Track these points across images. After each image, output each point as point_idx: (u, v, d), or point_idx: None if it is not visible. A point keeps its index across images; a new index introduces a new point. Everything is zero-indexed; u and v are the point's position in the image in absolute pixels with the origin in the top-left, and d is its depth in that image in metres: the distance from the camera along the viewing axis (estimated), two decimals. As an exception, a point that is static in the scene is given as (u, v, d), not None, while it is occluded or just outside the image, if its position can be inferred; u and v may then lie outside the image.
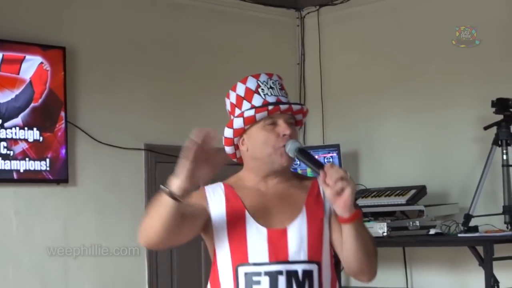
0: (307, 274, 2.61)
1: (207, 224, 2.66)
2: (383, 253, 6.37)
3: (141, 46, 6.09)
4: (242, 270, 2.61)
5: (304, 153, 2.65)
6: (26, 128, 5.40)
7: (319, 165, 2.57)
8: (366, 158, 6.54)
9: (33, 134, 5.43)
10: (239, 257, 2.61)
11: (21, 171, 5.36)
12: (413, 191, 5.70)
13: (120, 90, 5.93)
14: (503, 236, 5.13)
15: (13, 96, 5.37)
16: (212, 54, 6.46)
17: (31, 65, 5.43)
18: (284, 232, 2.63)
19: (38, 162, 5.43)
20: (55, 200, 5.57)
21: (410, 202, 5.63)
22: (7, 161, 5.31)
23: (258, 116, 2.67)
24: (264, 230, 2.62)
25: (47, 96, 5.49)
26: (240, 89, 2.77)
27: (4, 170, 5.30)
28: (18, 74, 5.40)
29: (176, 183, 2.53)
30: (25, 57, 5.41)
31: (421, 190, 5.73)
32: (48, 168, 5.46)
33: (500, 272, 5.07)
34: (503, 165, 5.37)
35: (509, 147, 5.37)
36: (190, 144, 2.51)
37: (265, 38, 6.81)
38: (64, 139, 5.55)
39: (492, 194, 5.54)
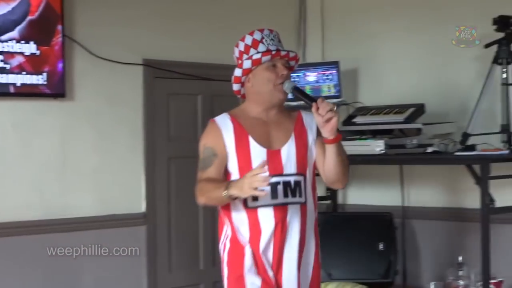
0: (297, 183, 3.50)
1: (224, 155, 3.50)
2: (380, 170, 6.48)
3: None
4: None
5: (299, 90, 3.51)
6: (22, 41, 5.35)
7: (312, 99, 3.39)
8: (365, 76, 6.51)
9: (30, 48, 5.38)
10: (245, 171, 3.32)
11: (18, 84, 5.32)
12: (411, 109, 5.69)
13: (118, 3, 5.86)
14: (500, 155, 5.13)
15: (9, 8, 5.29)
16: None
17: (27, -23, 5.36)
18: (278, 152, 3.50)
19: (35, 76, 5.40)
20: (52, 114, 5.55)
21: (408, 120, 5.62)
22: (4, 75, 5.27)
23: (264, 59, 3.48)
24: (264, 151, 3.48)
25: (44, 8, 5.43)
26: (248, 39, 3.52)
27: (1, 83, 5.27)
28: (14, -14, 5.33)
29: (235, 193, 3.30)
30: (21, -31, 5.34)
31: (419, 108, 5.71)
32: (45, 82, 5.43)
33: (496, 191, 5.10)
34: (502, 84, 5.35)
35: (509, 66, 5.34)
36: (259, 181, 3.19)
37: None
38: (61, 53, 5.50)
39: (490, 113, 5.52)
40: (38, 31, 5.40)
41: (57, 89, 5.49)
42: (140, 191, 5.97)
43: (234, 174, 3.51)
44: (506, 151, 5.15)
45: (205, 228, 6.32)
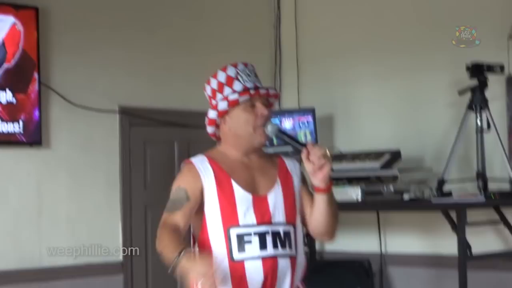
0: (286, 234, 3.11)
1: (200, 202, 3.08)
2: (357, 217, 6.47)
3: (115, 7, 6.02)
4: (233, 231, 3.03)
5: (284, 133, 3.15)
6: (-2, 90, 5.35)
7: (301, 144, 3.05)
8: (341, 122, 6.53)
9: (6, 96, 5.37)
10: (230, 220, 3.04)
11: (-6, 133, 5.32)
12: (387, 156, 5.70)
13: (94, 51, 5.87)
14: (476, 202, 5.15)
15: (-15, 57, 5.31)
16: (187, 16, 6.41)
17: (4, 25, 5.36)
18: (265, 198, 3.11)
19: (11, 124, 5.38)
20: (28, 162, 5.53)
21: (385, 167, 5.64)
22: (-20, 123, 5.26)
23: (241, 99, 3.09)
24: (249, 196, 3.08)
25: (20, 57, 5.43)
26: (221, 76, 3.15)
27: (-23, 132, 5.25)
28: (-10, 34, 5.33)
29: (184, 267, 2.89)
30: (-3, 17, 5.34)
31: (395, 155, 5.72)
32: (21, 131, 5.41)
33: (473, 238, 5.10)
34: (477, 131, 5.38)
35: (483, 112, 5.38)
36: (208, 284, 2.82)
37: (240, -1, 6.77)
38: (37, 101, 5.49)
39: (465, 159, 5.56)
40: (15, 79, 5.40)
41: (33, 137, 5.48)
42: (117, 239, 5.93)
43: (214, 220, 3.06)
44: (482, 198, 5.17)
45: (182, 275, 6.27)
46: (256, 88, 3.14)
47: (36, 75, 5.49)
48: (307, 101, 6.67)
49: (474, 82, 5.38)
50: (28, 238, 5.49)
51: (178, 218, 3.07)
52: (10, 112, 5.37)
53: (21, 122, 5.42)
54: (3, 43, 5.36)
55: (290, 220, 3.13)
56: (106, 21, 5.96)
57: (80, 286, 5.63)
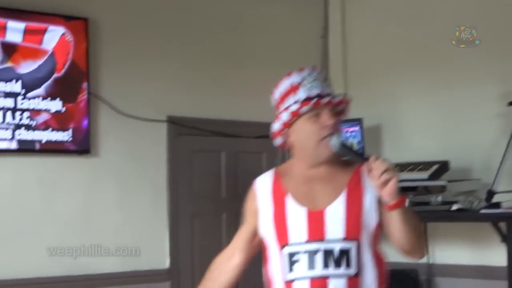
0: (344, 251, 2.84)
1: (256, 218, 3.02)
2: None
3: (164, 17, 6.07)
4: (286, 250, 2.88)
5: (347, 147, 2.92)
6: (48, 99, 5.41)
7: (364, 158, 2.83)
8: (388, 133, 6.50)
9: (56, 105, 5.44)
10: (283, 238, 2.89)
11: (43, 141, 5.37)
12: (435, 166, 5.66)
13: (143, 61, 5.92)
14: (525, 213, 5.09)
15: (35, 66, 5.37)
16: (234, 27, 6.44)
17: (54, 36, 5.43)
18: (322, 213, 2.87)
19: (61, 133, 5.44)
20: (77, 170, 5.58)
21: (433, 177, 5.59)
22: (30, 131, 5.33)
23: (303, 109, 2.88)
24: (304, 212, 2.88)
25: (69, 67, 5.49)
26: (285, 84, 2.97)
27: (27, 140, 5.32)
28: (41, 44, 5.40)
29: None
30: (47, 28, 5.41)
31: (443, 165, 5.68)
32: (70, 139, 5.47)
33: (522, 249, 5.05)
34: (526, 141, 5.33)
35: (533, 123, 5.33)
36: None
37: (287, 10, 6.76)
38: (86, 110, 5.55)
39: (515, 170, 5.50)
40: (64, 89, 5.46)
41: (82, 146, 5.53)
42: (163, 247, 5.96)
43: (270, 238, 2.96)
44: (532, 209, 5.11)
45: (228, 285, 6.28)
46: (319, 96, 2.90)
47: (85, 84, 5.55)
48: (354, 111, 6.56)
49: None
50: (75, 246, 5.53)
51: (235, 242, 3.11)
52: (60, 121, 5.44)
53: (70, 131, 5.48)
54: (53, 53, 5.43)
55: (351, 235, 2.86)
56: (154, 32, 6.00)
57: (127, 293, 5.68)
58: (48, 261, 5.41)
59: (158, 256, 5.92)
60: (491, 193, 5.32)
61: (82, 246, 5.56)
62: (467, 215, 5.37)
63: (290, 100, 2.92)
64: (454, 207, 5.38)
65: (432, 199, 5.47)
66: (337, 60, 6.86)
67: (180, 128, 6.07)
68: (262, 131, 6.10)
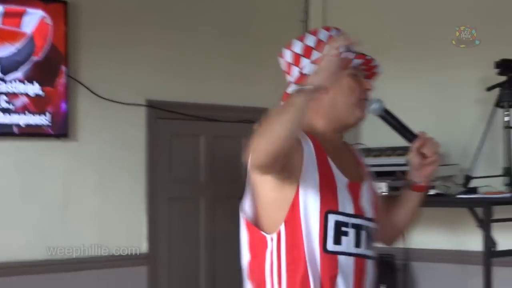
0: (374, 233, 2.66)
1: (297, 169, 2.51)
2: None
3: (144, 1, 6.05)
4: (332, 217, 2.53)
5: (392, 114, 2.74)
6: (26, 82, 5.38)
7: (411, 132, 2.71)
8: (367, 117, 6.51)
9: (34, 88, 5.41)
10: (329, 203, 2.52)
11: (22, 125, 5.35)
12: (413, 151, 5.68)
13: (122, 45, 5.89)
14: (502, 198, 5.13)
15: (14, 50, 5.34)
16: (214, 11, 6.42)
17: (33, 19, 5.40)
18: (359, 187, 2.63)
19: (39, 117, 5.42)
20: (55, 155, 5.57)
21: (411, 162, 5.61)
22: (8, 115, 5.30)
23: (355, 61, 2.62)
24: (346, 182, 2.58)
25: (48, 50, 5.46)
26: (310, 40, 2.67)
27: (5, 124, 5.29)
28: (19, 28, 5.37)
29: (314, 81, 2.34)
30: (26, 10, 5.38)
31: (421, 150, 5.70)
32: (49, 123, 5.45)
33: (499, 234, 5.09)
34: (504, 127, 5.37)
35: (510, 109, 5.36)
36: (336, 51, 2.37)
37: (268, -6, 6.77)
38: (65, 94, 5.53)
39: (492, 156, 5.54)
40: (42, 72, 5.43)
41: (60, 130, 5.51)
42: (141, 231, 5.96)
43: (311, 199, 2.51)
44: (509, 194, 5.16)
45: (207, 269, 6.30)
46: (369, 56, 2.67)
47: (64, 68, 5.52)
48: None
49: (502, 78, 5.36)
50: (54, 230, 5.53)
51: None
52: (38, 105, 5.42)
53: (48, 115, 5.45)
54: (32, 37, 5.40)
55: (376, 216, 2.68)
56: (133, 16, 5.98)
57: (104, 278, 5.67)
58: (26, 245, 5.40)
59: (136, 240, 5.91)
60: (468, 178, 5.36)
61: (60, 230, 5.55)
62: (444, 200, 5.40)
63: (330, 49, 2.43)
64: (431, 192, 5.41)
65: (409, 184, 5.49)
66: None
67: (159, 112, 6.06)
68: (241, 116, 6.13)
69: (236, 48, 6.45)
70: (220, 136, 6.33)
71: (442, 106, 6.04)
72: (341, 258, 2.53)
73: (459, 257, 5.83)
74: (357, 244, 2.57)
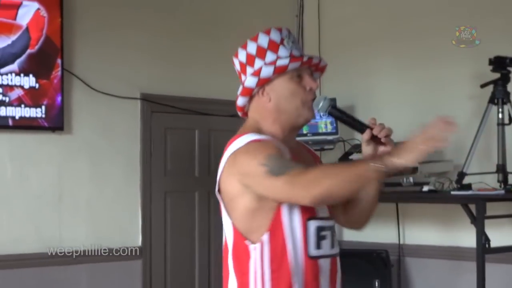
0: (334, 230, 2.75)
1: None
2: (376, 208, 6.41)
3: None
4: (313, 224, 2.61)
5: (340, 110, 2.73)
6: (22, 75, 5.38)
7: (362, 123, 2.70)
8: (362, 112, 6.52)
9: (29, 81, 5.41)
10: (309, 210, 2.59)
11: (17, 117, 5.35)
12: (407, 147, 5.69)
13: (117, 38, 5.90)
14: (495, 195, 5.13)
15: (9, 42, 5.34)
16: (210, 3, 6.42)
17: (28, 11, 5.39)
18: None
19: (34, 109, 5.42)
20: (50, 147, 5.57)
21: (405, 158, 5.62)
22: (3, 107, 5.30)
23: (291, 66, 2.63)
24: None
25: (43, 42, 5.46)
26: (263, 40, 2.70)
27: (0, 116, 5.29)
28: (15, 20, 5.36)
29: (398, 161, 2.48)
30: (21, 2, 5.37)
31: (415, 146, 5.71)
32: (43, 115, 5.45)
33: (492, 230, 5.09)
34: (498, 124, 5.37)
35: (504, 106, 5.36)
36: (437, 136, 2.49)
37: (263, -12, 6.77)
38: (60, 87, 5.53)
39: (486, 153, 5.54)
40: (38, 65, 5.43)
41: (55, 122, 5.51)
42: (136, 224, 5.97)
43: (292, 208, 2.57)
44: (502, 191, 5.16)
45: (201, 262, 6.31)
46: (309, 57, 2.67)
47: (59, 61, 5.52)
48: (328, 90, 6.66)
49: (496, 75, 5.36)
50: (48, 222, 5.53)
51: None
52: (33, 97, 5.41)
53: (43, 107, 5.45)
54: (27, 29, 5.40)
55: (332, 214, 2.74)
56: (129, 8, 5.98)
57: (99, 270, 5.68)
58: (20, 238, 5.40)
59: (130, 233, 5.92)
60: (462, 175, 5.37)
61: (54, 222, 5.55)
62: (438, 196, 5.42)
63: (270, 56, 2.65)
64: (425, 188, 5.42)
65: (403, 180, 5.51)
66: (312, 39, 6.86)
67: (154, 106, 6.06)
68: (236, 110, 6.12)
69: (231, 42, 6.40)
70: (215, 129, 6.33)
71: (436, 103, 6.04)
72: (321, 261, 2.62)
73: (453, 253, 5.84)
74: (332, 245, 2.66)
